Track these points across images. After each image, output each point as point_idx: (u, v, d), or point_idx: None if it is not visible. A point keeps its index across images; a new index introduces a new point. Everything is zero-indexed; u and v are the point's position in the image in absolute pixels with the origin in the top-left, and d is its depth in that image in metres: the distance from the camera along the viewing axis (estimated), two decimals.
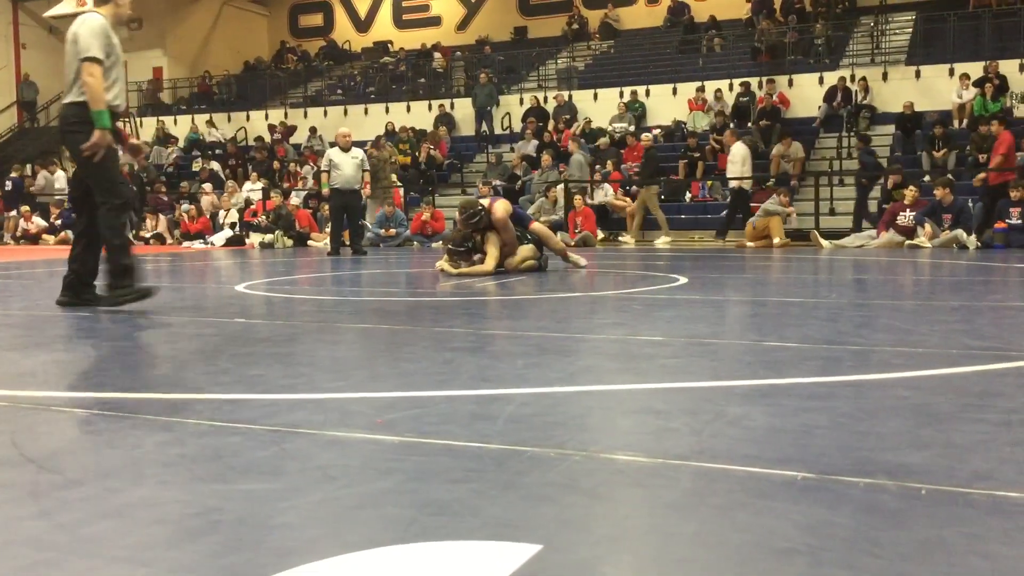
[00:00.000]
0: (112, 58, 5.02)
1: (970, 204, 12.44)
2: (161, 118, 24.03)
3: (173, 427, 2.24)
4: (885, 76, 17.98)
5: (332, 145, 13.35)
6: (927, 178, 14.33)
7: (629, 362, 3.26)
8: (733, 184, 14.60)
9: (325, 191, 12.61)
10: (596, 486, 1.75)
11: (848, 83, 17.70)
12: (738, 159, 14.62)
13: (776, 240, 12.87)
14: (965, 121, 16.04)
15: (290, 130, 21.68)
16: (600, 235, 14.84)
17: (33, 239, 18.15)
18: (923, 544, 1.44)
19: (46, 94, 26.19)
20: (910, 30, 19.40)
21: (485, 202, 7.95)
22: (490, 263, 7.57)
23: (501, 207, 7.80)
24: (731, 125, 17.62)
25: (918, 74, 17.73)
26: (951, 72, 17.13)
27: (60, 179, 20.13)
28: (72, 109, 5.01)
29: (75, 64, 4.96)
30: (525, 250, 7.89)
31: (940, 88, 17.18)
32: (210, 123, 23.25)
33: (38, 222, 18.49)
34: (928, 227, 11.86)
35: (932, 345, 3.53)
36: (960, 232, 11.59)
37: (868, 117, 17.28)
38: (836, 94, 17.61)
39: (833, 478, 1.77)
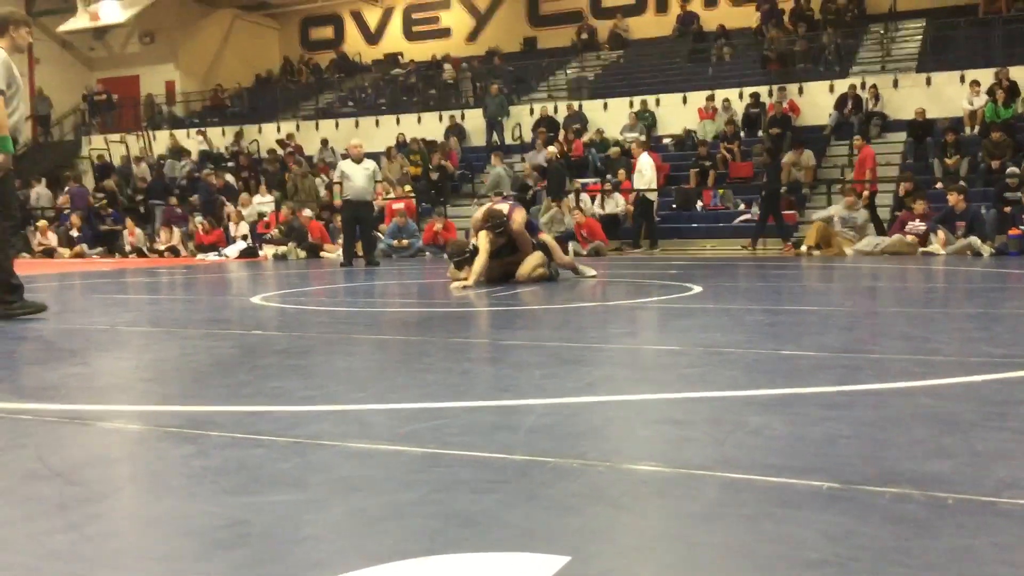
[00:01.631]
0: (13, 88, 5.32)
1: (983, 210, 12.40)
2: (173, 131, 24.17)
3: (197, 439, 2.26)
4: (896, 83, 17.95)
5: (344, 157, 13.41)
6: (939, 185, 14.29)
7: (647, 372, 3.26)
8: (640, 194, 14.91)
9: (337, 202, 12.66)
10: (620, 496, 1.76)
11: (859, 90, 17.68)
12: (645, 169, 15.02)
13: (804, 247, 12.66)
14: (977, 128, 16.00)
15: (298, 148, 21.83)
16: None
17: (49, 252, 18.27)
18: (952, 554, 1.43)
19: (59, 108, 26.41)
20: (920, 37, 19.37)
21: (504, 207, 7.95)
22: (482, 255, 7.56)
23: (519, 216, 7.89)
24: (740, 134, 17.60)
25: (929, 81, 17.69)
26: (962, 79, 17.07)
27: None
28: None
29: None
30: (534, 258, 7.88)
31: (951, 95, 17.13)
32: (201, 132, 23.47)
33: (52, 237, 18.62)
34: (941, 234, 11.83)
35: (951, 353, 3.52)
36: (974, 239, 11.55)
37: (879, 124, 17.25)
38: (847, 102, 17.58)
39: (859, 488, 1.76)
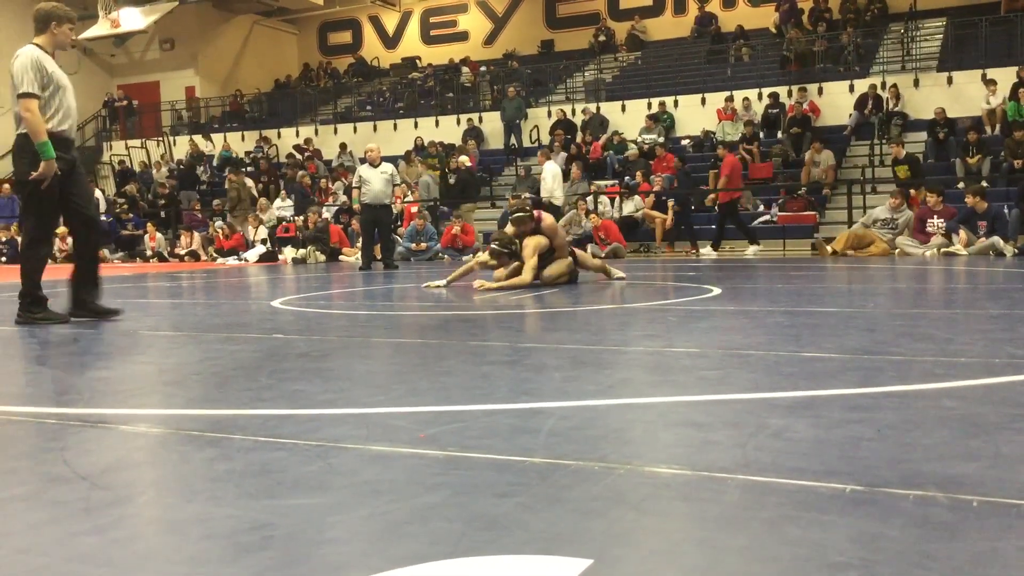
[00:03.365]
0: (51, 88, 5.21)
1: (1005, 210, 12.29)
2: (193, 137, 24.35)
3: (219, 443, 2.27)
4: (916, 83, 17.83)
5: (363, 161, 13.49)
6: (961, 185, 14.19)
7: (667, 374, 3.25)
8: (544, 200, 15.27)
9: (356, 206, 12.73)
10: (642, 500, 1.75)
11: (879, 90, 17.58)
12: (548, 177, 15.58)
13: (830, 249, 12.62)
14: (998, 127, 15.86)
15: (317, 152, 22.00)
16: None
17: (71, 258, 18.44)
18: (977, 557, 1.42)
19: (81, 114, 26.50)
20: (941, 36, 19.24)
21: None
22: (527, 275, 7.53)
23: (549, 216, 7.95)
24: (760, 134, 17.54)
25: (950, 80, 17.57)
26: (983, 78, 16.94)
27: (98, 198, 20.43)
28: (19, 140, 5.25)
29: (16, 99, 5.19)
30: (561, 265, 7.86)
31: (972, 94, 17.02)
32: (207, 137, 23.67)
33: (70, 242, 18.82)
34: (963, 234, 11.73)
35: (974, 355, 3.49)
36: (997, 239, 11.45)
37: (900, 124, 17.14)
38: (867, 102, 17.49)
39: (882, 490, 1.75)
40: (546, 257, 7.75)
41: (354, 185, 12.67)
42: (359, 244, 13.91)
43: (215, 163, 22.88)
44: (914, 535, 1.51)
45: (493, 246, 7.85)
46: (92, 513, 1.74)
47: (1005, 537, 1.50)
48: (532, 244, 7.63)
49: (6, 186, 21.26)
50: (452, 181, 18.44)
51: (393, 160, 14.80)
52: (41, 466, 2.11)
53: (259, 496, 1.82)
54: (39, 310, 5.43)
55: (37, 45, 5.32)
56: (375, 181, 12.04)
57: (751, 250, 13.88)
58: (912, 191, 13.36)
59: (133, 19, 24.22)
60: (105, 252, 18.43)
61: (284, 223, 17.37)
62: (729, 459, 2.01)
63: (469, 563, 1.44)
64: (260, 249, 16.70)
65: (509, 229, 7.92)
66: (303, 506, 1.75)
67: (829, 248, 12.62)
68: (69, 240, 18.61)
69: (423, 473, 1.96)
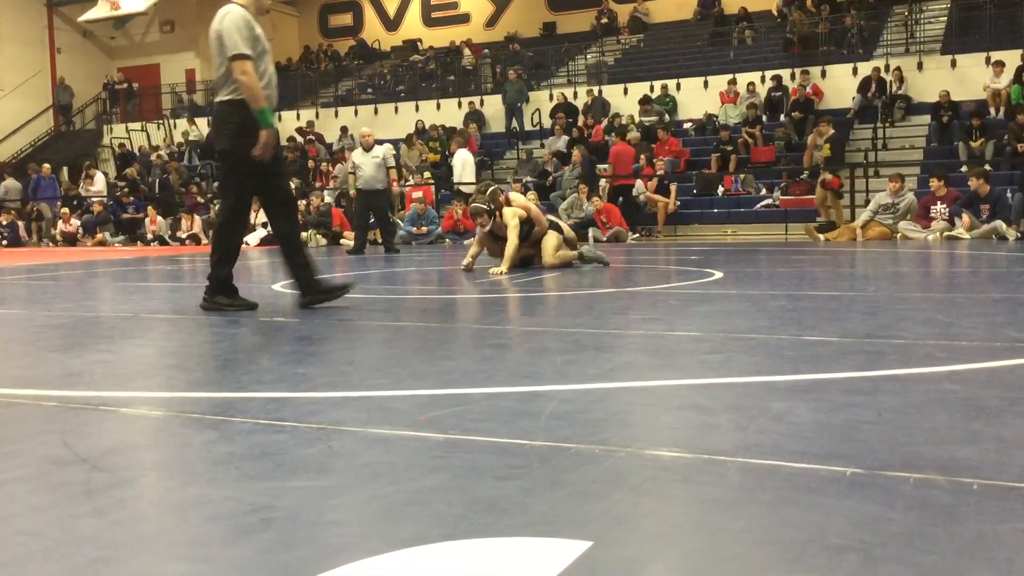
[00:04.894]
0: (259, 50, 4.74)
1: (1008, 194, 12.24)
2: (196, 119, 24.28)
3: (220, 425, 2.27)
4: (920, 66, 17.73)
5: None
6: (964, 168, 14.14)
7: (668, 358, 3.25)
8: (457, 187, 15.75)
9: (351, 192, 12.69)
10: (642, 483, 1.75)
11: (882, 73, 17.49)
12: (458, 164, 15.99)
13: (822, 237, 12.56)
14: (1002, 110, 15.78)
15: (319, 135, 21.93)
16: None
17: (71, 240, 18.45)
18: (978, 540, 1.42)
19: (81, 97, 26.58)
20: (945, 18, 19.11)
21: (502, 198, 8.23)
22: (512, 236, 7.64)
23: (516, 195, 8.25)
24: (762, 118, 17.48)
25: (954, 63, 17.47)
26: (988, 60, 16.84)
27: (100, 181, 20.41)
28: (224, 108, 4.76)
29: (224, 62, 4.69)
30: (552, 238, 7.87)
31: (976, 77, 16.92)
32: (191, 122, 23.63)
33: (75, 223, 18.81)
34: (966, 218, 11.70)
35: (976, 338, 3.48)
36: (1000, 223, 11.41)
37: (903, 107, 17.06)
38: (870, 84, 17.40)
39: (883, 473, 1.75)
40: (526, 233, 7.79)
41: (349, 170, 12.63)
42: None
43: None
44: (914, 518, 1.51)
45: (475, 204, 7.90)
46: (93, 495, 1.74)
47: (1005, 520, 1.50)
48: (508, 211, 7.86)
49: (47, 165, 20.93)
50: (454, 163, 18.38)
51: (394, 143, 14.76)
52: (42, 448, 2.12)
53: (259, 478, 1.82)
54: (226, 300, 4.92)
55: (240, 5, 4.81)
56: (367, 166, 11.98)
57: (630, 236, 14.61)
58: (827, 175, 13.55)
59: (133, 1, 24.11)
60: (106, 235, 18.43)
61: None
62: (730, 442, 2.01)
63: (469, 545, 1.44)
64: (261, 233, 16.66)
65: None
66: (303, 488, 1.75)
67: (822, 237, 12.58)
68: (72, 222, 18.68)
69: (423, 456, 1.96)
